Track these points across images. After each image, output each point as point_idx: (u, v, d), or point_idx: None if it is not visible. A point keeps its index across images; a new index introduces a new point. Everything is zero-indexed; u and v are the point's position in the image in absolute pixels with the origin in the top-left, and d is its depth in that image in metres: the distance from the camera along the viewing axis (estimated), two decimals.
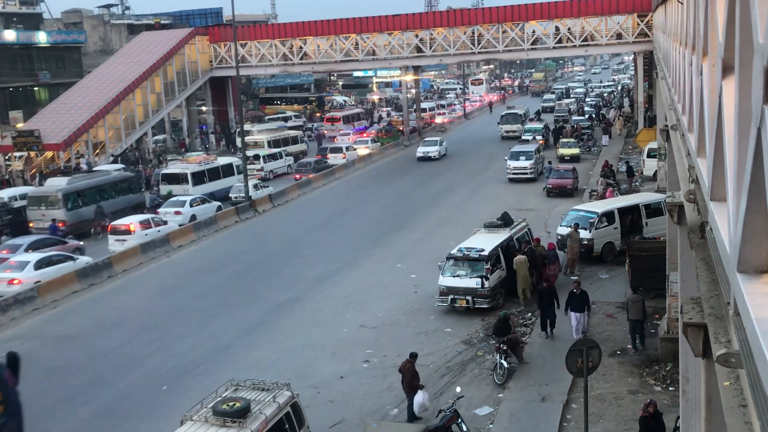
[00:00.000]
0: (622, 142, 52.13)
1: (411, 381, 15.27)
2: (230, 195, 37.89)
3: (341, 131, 61.01)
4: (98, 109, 49.21)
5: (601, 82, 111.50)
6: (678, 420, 12.57)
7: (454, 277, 21.32)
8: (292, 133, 55.53)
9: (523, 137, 51.83)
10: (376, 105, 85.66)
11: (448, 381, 17.08)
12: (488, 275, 20.94)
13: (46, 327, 22.38)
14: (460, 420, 14.22)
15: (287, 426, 12.50)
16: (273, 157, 47.13)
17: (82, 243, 30.60)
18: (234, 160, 41.78)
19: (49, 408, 16.88)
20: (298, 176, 44.31)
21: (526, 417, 15.20)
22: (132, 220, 30.62)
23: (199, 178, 38.25)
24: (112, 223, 30.91)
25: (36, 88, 63.60)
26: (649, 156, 37.07)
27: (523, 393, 16.30)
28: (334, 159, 49.26)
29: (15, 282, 24.56)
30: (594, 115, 65.36)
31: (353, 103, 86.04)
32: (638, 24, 49.53)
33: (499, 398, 16.15)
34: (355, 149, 52.28)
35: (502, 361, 16.99)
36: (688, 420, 10.36)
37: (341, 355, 19.02)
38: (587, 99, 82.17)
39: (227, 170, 39.45)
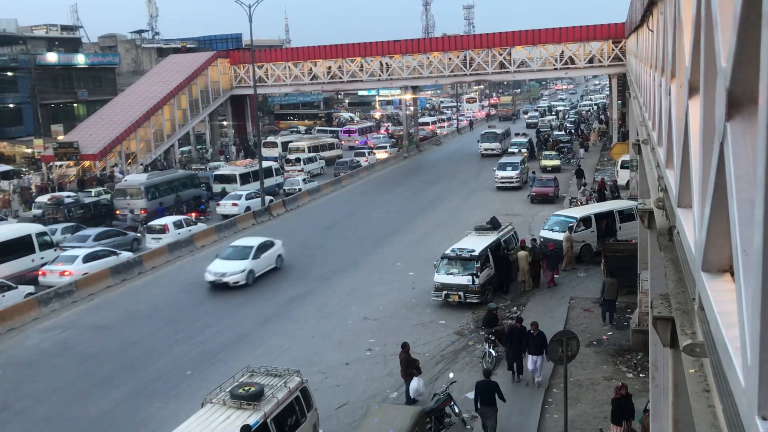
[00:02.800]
0: (598, 154, 52.07)
1: (407, 369, 15.28)
2: (284, 188, 42.00)
3: (372, 138, 66.06)
4: (130, 124, 49.24)
5: (578, 101, 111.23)
6: (648, 403, 12.52)
7: (447, 274, 21.32)
8: (329, 141, 58.64)
9: (509, 150, 51.82)
10: (380, 120, 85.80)
11: (442, 368, 17.05)
12: (478, 273, 20.94)
13: (83, 318, 22.38)
14: (452, 403, 14.22)
15: (297, 408, 12.48)
16: (311, 160, 50.77)
17: (139, 234, 31.20)
18: (273, 164, 44.83)
19: (86, 390, 16.91)
20: (337, 172, 47.89)
21: (512, 400, 15.16)
22: (167, 221, 30.83)
23: (245, 178, 41.12)
24: (149, 223, 31.17)
25: (75, 104, 63.86)
26: (622, 167, 37.04)
27: (509, 379, 16.26)
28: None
29: (66, 273, 24.76)
30: (573, 131, 65.31)
31: (358, 118, 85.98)
32: (613, 49, 49.55)
33: None
34: (374, 153, 55.33)
35: (491, 350, 16.99)
36: (657, 403, 10.32)
37: (346, 343, 19.00)
38: (567, 117, 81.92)
39: (267, 172, 41.67)
